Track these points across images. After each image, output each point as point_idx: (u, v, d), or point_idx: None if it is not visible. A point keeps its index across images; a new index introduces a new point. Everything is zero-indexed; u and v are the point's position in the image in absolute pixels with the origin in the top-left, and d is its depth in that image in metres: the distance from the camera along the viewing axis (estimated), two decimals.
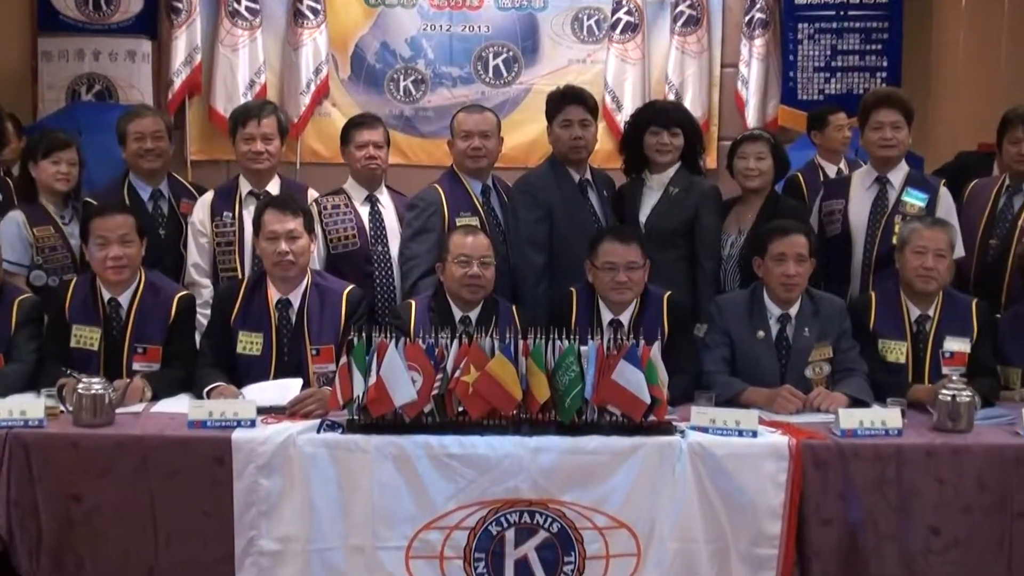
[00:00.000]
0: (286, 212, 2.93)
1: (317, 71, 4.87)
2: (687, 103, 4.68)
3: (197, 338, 3.08)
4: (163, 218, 3.48)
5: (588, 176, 3.48)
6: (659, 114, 3.46)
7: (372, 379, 2.44)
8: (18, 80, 4.73)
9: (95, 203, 3.23)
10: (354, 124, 3.51)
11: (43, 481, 2.45)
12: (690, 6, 4.84)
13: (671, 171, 3.41)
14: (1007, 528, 2.49)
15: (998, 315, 3.10)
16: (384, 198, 3.53)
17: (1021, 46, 4.86)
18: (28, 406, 2.52)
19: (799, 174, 3.92)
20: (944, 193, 3.36)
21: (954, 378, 2.72)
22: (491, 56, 4.97)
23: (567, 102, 3.42)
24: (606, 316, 2.97)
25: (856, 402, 2.74)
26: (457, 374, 2.47)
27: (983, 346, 2.94)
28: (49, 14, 4.75)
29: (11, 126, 4.20)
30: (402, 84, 4.99)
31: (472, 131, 3.37)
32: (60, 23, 4.75)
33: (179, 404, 2.71)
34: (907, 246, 2.97)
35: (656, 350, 2.50)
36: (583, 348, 2.48)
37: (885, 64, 4.81)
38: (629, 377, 2.44)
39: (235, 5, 4.75)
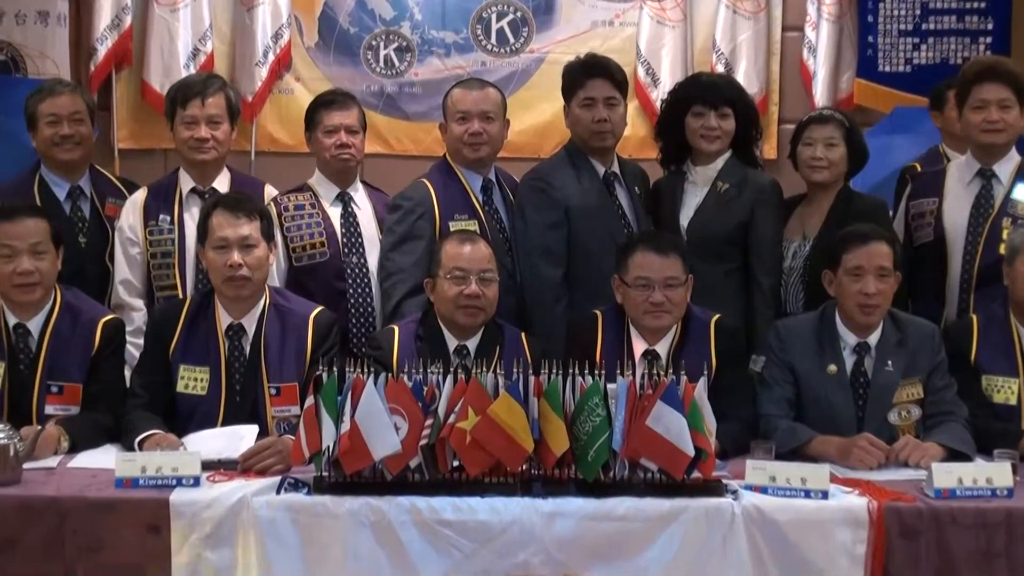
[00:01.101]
0: (239, 215, 2.97)
1: (276, 37, 4.89)
2: (740, 76, 4.72)
3: (127, 374, 3.10)
4: (84, 222, 3.54)
5: (616, 169, 3.54)
6: (705, 90, 3.52)
7: (345, 426, 2.46)
8: None
9: None
10: (322, 104, 3.57)
11: None
12: None
13: (720, 162, 3.46)
14: None
15: None
16: (360, 197, 3.58)
17: None
18: None
19: (917, 165, 3.91)
20: None
21: None
22: (494, 17, 5.01)
23: (589, 75, 3.49)
24: (639, 346, 3.01)
25: (954, 454, 2.76)
26: (452, 419, 2.49)
27: None
28: None
29: None
30: (382, 53, 5.02)
31: (470, 112, 3.43)
32: None
33: (104, 457, 2.74)
34: (1019, 256, 3.00)
35: (702, 388, 2.53)
36: (610, 386, 2.51)
37: (990, 27, 4.83)
38: (668, 423, 2.46)
39: None
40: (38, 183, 3.52)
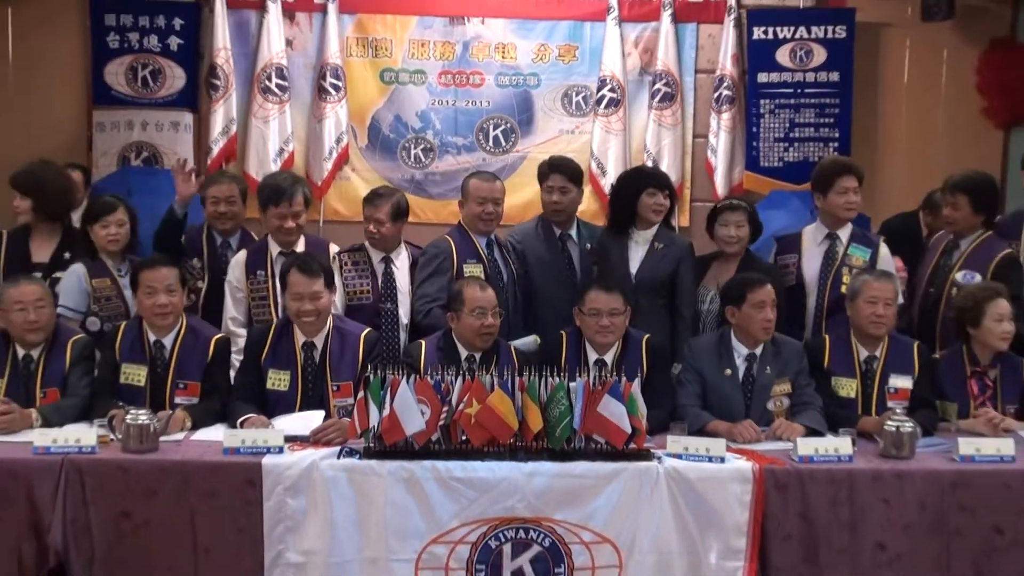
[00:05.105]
0: (311, 274, 2.94)
1: (338, 140, 4.87)
2: (663, 168, 4.66)
3: (232, 375, 3.09)
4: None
5: (572, 231, 3.57)
6: (655, 178, 3.53)
7: (386, 411, 2.49)
8: (76, 148, 4.79)
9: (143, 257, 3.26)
10: (366, 199, 3.53)
11: (95, 502, 2.49)
12: (666, 84, 4.87)
13: (654, 228, 3.46)
14: (945, 543, 2.55)
15: (936, 355, 3.16)
16: (400, 259, 3.50)
17: (956, 123, 4.98)
18: (82, 435, 2.57)
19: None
20: (883, 248, 3.44)
21: (898, 411, 2.78)
22: (491, 127, 4.99)
23: (551, 171, 3.57)
24: (592, 356, 3.02)
25: (812, 432, 2.78)
26: (461, 407, 2.52)
27: (923, 383, 2.99)
28: (103, 90, 4.79)
29: (79, 175, 4.25)
30: (413, 152, 4.99)
31: (486, 198, 3.43)
32: (112, 98, 4.80)
33: (216, 433, 2.75)
34: (859, 296, 3.00)
35: (636, 386, 2.56)
36: (572, 384, 2.54)
37: (837, 135, 4.85)
38: (612, 410, 2.50)
39: (266, 82, 4.79)
40: (206, 235, 3.53)
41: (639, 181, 3.51)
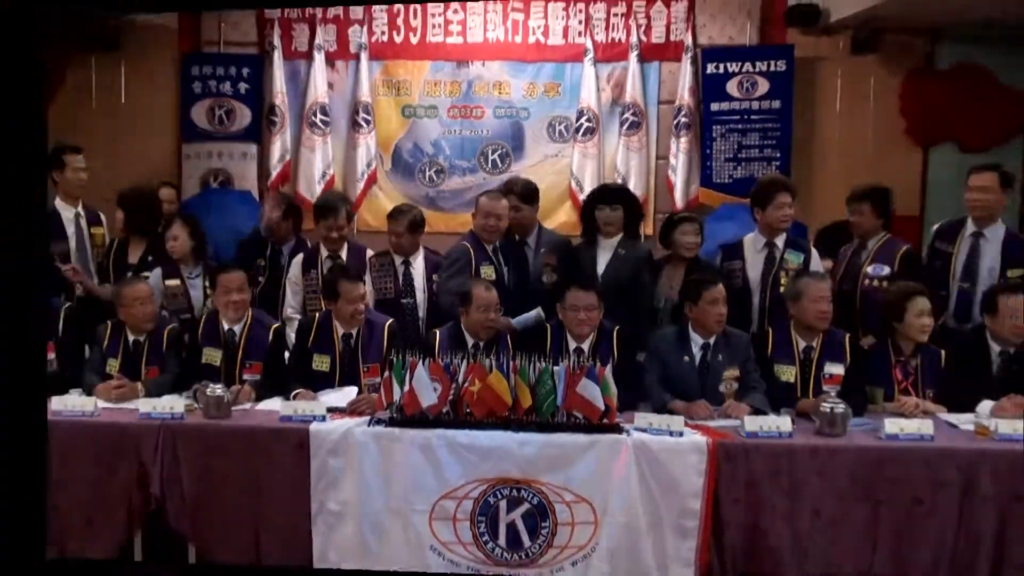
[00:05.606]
0: (357, 281, 3.03)
1: (368, 165, 4.90)
2: (631, 186, 4.61)
3: (287, 356, 3.13)
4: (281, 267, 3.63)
5: (529, 239, 3.58)
6: (603, 193, 3.50)
7: (406, 388, 2.53)
8: (169, 174, 4.88)
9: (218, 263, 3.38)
10: (389, 215, 3.57)
11: (185, 459, 2.57)
12: (633, 114, 4.84)
13: (618, 236, 3.42)
14: (872, 511, 2.49)
15: (864, 346, 3.08)
16: (417, 261, 3.53)
17: (882, 142, 4.93)
18: (174, 404, 2.68)
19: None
20: (814, 252, 3.42)
21: (832, 394, 2.68)
22: (490, 152, 4.98)
23: (508, 192, 3.56)
24: (572, 345, 2.98)
25: (757, 411, 2.73)
26: (466, 385, 2.55)
27: (854, 370, 2.88)
28: (190, 127, 4.90)
29: (171, 192, 4.32)
30: (428, 173, 4.99)
31: (490, 213, 3.43)
32: (197, 133, 4.89)
33: (275, 404, 2.80)
34: (804, 297, 2.90)
35: (608, 370, 2.55)
36: (555, 368, 2.55)
37: (778, 156, 4.77)
38: (589, 390, 2.51)
39: (313, 118, 4.84)
40: (271, 246, 3.64)
41: (593, 199, 3.50)
